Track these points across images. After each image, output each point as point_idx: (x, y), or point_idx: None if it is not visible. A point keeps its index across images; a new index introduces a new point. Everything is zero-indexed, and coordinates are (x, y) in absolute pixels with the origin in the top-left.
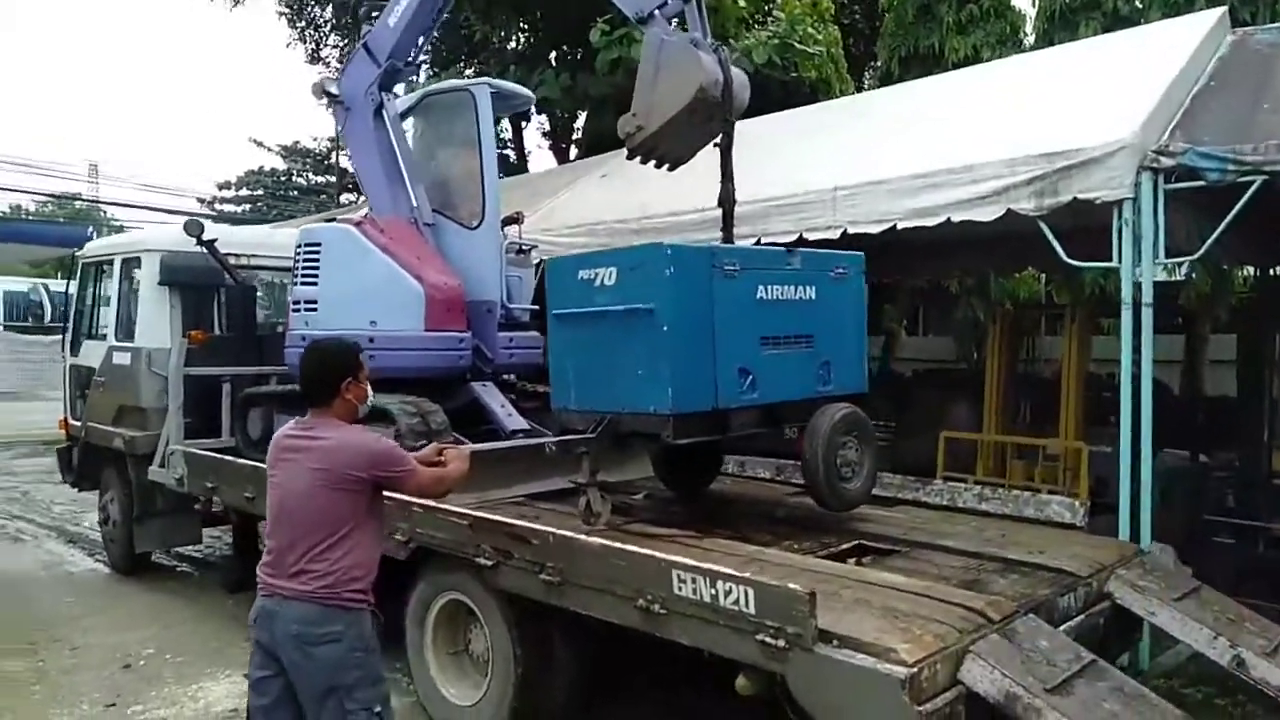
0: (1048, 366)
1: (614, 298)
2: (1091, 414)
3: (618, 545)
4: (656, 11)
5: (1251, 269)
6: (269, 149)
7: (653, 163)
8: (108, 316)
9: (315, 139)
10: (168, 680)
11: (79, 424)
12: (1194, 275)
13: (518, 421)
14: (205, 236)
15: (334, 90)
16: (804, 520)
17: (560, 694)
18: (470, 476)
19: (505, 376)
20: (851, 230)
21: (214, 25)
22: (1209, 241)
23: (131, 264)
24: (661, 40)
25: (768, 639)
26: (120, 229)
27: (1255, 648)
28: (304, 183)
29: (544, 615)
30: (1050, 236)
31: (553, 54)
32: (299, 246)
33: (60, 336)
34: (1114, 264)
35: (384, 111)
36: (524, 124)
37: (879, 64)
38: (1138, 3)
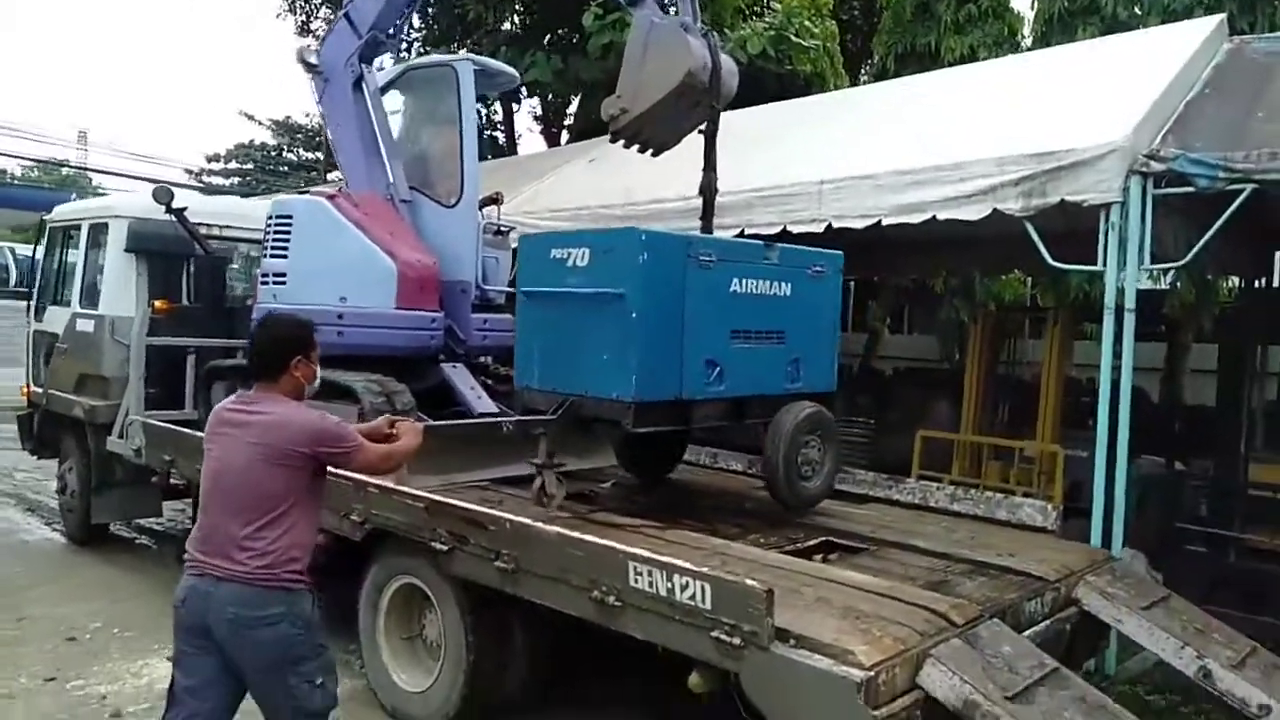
0: (1028, 369)
1: (585, 279)
2: (1070, 418)
3: (574, 534)
4: None
5: (1236, 279)
6: (259, 122)
7: (636, 147)
8: (74, 282)
9: (308, 115)
10: (113, 655)
11: (40, 391)
12: (1178, 284)
13: (486, 404)
14: (175, 204)
15: (313, 60)
16: (773, 515)
17: (513, 683)
18: (423, 452)
19: (479, 359)
20: (836, 224)
21: None
22: (1195, 248)
23: (99, 230)
24: (651, 22)
25: (723, 636)
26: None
27: (1222, 659)
28: (294, 158)
29: (499, 603)
30: (1035, 237)
31: (546, 37)
32: (270, 218)
33: (26, 302)
34: (1099, 268)
35: (364, 84)
36: (515, 107)
37: (875, 60)
38: (1136, 8)
